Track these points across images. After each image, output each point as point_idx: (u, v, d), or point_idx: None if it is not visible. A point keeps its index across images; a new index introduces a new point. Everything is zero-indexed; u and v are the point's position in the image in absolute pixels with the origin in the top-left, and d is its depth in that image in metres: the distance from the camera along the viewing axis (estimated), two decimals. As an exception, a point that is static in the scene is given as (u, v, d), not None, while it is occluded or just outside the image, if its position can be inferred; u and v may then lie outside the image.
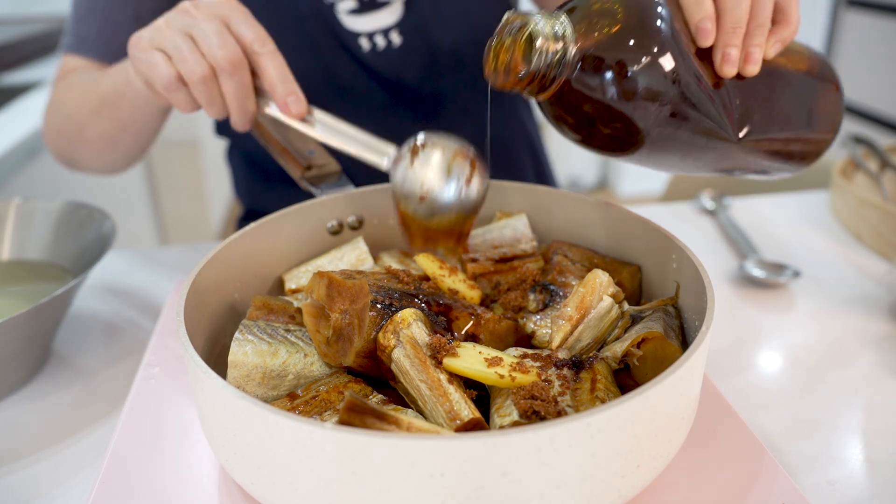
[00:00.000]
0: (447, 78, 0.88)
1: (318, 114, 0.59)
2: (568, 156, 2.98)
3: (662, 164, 0.55)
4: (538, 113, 1.04)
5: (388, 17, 0.84)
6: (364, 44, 0.84)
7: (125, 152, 0.84)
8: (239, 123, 0.60)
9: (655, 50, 0.48)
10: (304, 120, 0.58)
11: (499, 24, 0.49)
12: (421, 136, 0.56)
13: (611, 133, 0.51)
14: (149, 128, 0.78)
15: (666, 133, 0.51)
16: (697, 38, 0.50)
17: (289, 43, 0.83)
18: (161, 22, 0.59)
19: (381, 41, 0.84)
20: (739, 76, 0.53)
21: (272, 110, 0.59)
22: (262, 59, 0.57)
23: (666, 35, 0.49)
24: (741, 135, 0.54)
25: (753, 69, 0.52)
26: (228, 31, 0.57)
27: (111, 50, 0.82)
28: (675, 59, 0.49)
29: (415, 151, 0.56)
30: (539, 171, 1.05)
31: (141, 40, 0.59)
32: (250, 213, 1.02)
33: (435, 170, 0.55)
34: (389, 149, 0.58)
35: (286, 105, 0.57)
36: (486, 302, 0.59)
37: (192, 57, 0.56)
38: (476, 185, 0.55)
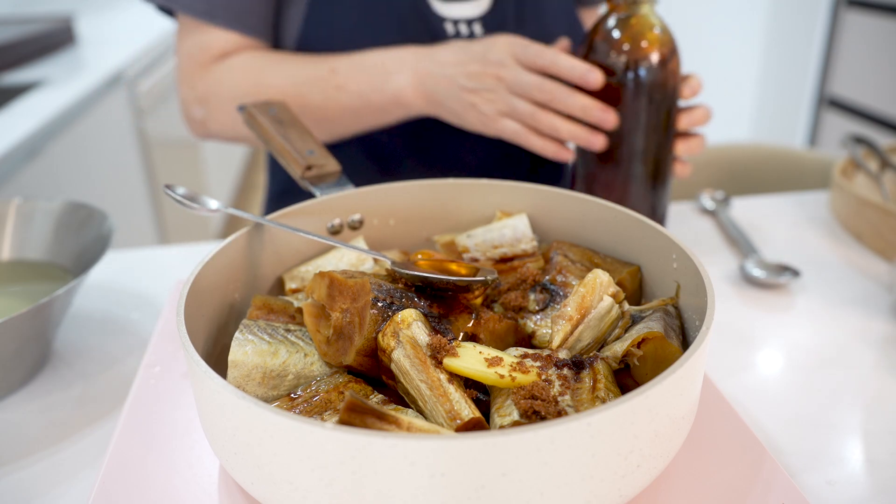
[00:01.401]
0: None
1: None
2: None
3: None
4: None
5: (475, 8, 0.90)
6: (449, 28, 0.89)
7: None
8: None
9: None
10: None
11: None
12: None
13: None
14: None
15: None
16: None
17: (377, 18, 0.88)
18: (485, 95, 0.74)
19: (464, 29, 0.89)
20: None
21: None
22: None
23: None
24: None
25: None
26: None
27: (241, 19, 0.85)
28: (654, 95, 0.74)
29: None
30: (543, 170, 1.05)
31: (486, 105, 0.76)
32: (283, 192, 1.03)
33: None
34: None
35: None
36: (486, 302, 0.59)
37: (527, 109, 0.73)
38: None
